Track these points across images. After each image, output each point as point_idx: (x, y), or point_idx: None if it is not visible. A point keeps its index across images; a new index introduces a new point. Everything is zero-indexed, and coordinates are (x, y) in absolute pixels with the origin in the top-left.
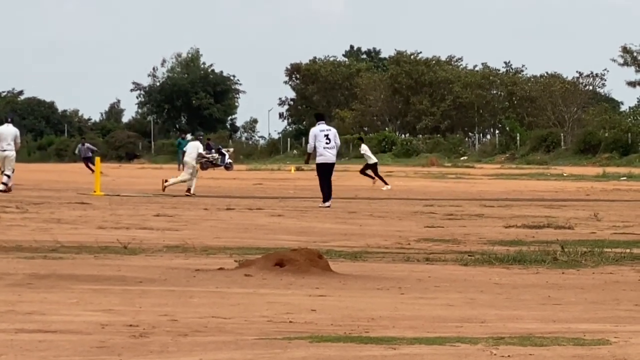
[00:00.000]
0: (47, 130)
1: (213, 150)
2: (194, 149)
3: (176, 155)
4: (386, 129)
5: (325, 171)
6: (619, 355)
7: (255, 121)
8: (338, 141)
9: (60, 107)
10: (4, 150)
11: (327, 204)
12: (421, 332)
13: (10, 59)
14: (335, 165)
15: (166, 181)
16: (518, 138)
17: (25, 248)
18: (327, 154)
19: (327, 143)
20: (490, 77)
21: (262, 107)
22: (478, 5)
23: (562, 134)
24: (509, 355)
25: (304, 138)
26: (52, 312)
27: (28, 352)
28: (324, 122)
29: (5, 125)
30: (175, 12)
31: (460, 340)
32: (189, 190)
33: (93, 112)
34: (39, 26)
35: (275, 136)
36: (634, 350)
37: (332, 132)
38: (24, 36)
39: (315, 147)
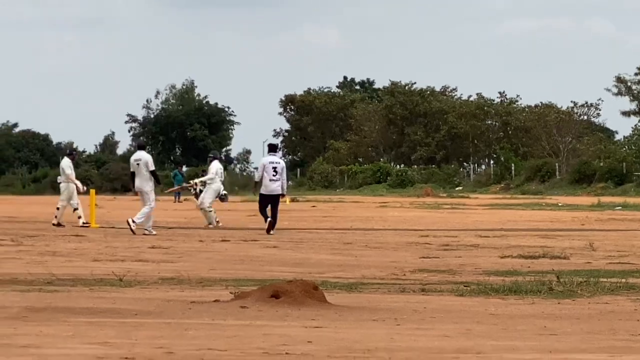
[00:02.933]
0: (42, 163)
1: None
2: None
3: (171, 187)
4: (381, 159)
5: (265, 201)
6: None
7: (248, 152)
8: (285, 176)
9: (55, 140)
10: (59, 183)
11: (272, 232)
12: None
13: (4, 91)
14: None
15: None
16: (513, 168)
17: (20, 281)
18: (270, 186)
19: (273, 175)
20: (485, 108)
21: (257, 138)
22: (472, 35)
23: (556, 164)
24: None
25: (299, 169)
26: (48, 345)
27: None
28: (275, 153)
29: (64, 157)
30: (169, 44)
31: None
32: None
33: (88, 144)
34: (34, 58)
35: None
36: None
37: (281, 165)
38: (18, 68)
39: (262, 178)
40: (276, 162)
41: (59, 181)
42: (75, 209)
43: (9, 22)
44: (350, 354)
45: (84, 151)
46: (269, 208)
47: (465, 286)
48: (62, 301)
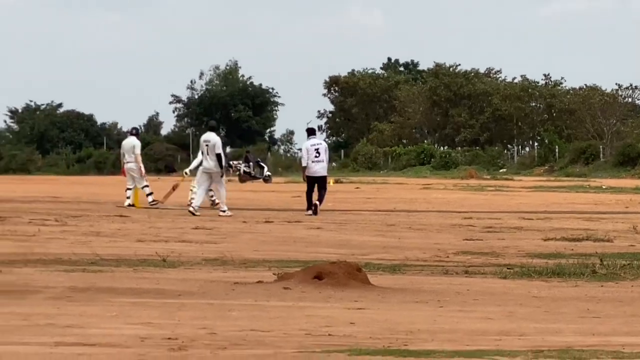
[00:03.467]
0: (86, 143)
1: (251, 163)
2: None
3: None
4: (425, 141)
5: (311, 183)
6: None
7: (292, 133)
8: (327, 156)
9: (99, 120)
10: (130, 163)
11: (309, 212)
12: (460, 345)
13: (49, 71)
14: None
15: None
16: (557, 150)
17: (65, 261)
18: (314, 167)
19: (316, 157)
20: (529, 90)
21: (301, 119)
22: (517, 17)
23: (601, 147)
24: None
25: (342, 151)
26: (91, 325)
27: None
28: (314, 136)
29: (130, 137)
30: (213, 24)
31: (499, 353)
32: None
33: (132, 124)
34: (78, 38)
35: None
36: None
37: (323, 146)
38: (63, 48)
39: (306, 160)
40: (318, 144)
41: (126, 161)
42: (129, 189)
43: (54, 2)
44: (392, 335)
45: (128, 131)
46: (315, 192)
47: (508, 268)
48: (105, 281)
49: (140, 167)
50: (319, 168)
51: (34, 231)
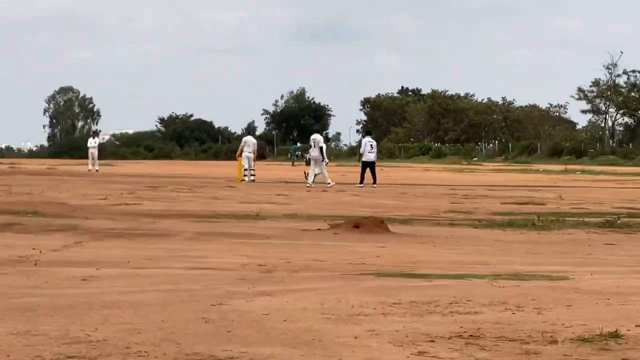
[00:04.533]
0: (208, 140)
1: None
2: None
3: (290, 156)
4: (425, 140)
5: (366, 166)
6: (574, 286)
7: (339, 134)
8: (376, 149)
9: (216, 125)
10: (250, 153)
11: (361, 185)
12: (447, 270)
13: (184, 91)
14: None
15: None
16: (510, 146)
17: (194, 215)
18: (370, 156)
19: (370, 149)
20: (492, 107)
21: (345, 125)
22: (488, 58)
23: (538, 144)
24: (503, 286)
25: None
26: (211, 256)
27: (195, 282)
28: (370, 135)
29: (249, 136)
30: (289, 62)
31: (472, 276)
32: None
33: (237, 128)
34: (202, 70)
35: (354, 144)
36: (584, 284)
37: (374, 142)
38: (192, 74)
39: (364, 151)
40: (372, 140)
41: (248, 151)
42: (247, 169)
43: (201, 49)
44: (404, 264)
45: (234, 132)
46: (367, 172)
47: (478, 222)
48: (220, 228)
49: (255, 156)
50: (373, 157)
51: (175, 196)
